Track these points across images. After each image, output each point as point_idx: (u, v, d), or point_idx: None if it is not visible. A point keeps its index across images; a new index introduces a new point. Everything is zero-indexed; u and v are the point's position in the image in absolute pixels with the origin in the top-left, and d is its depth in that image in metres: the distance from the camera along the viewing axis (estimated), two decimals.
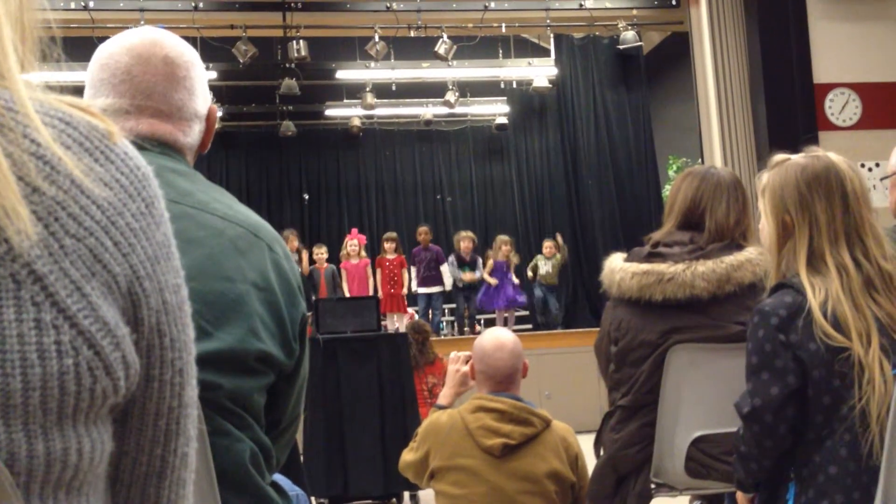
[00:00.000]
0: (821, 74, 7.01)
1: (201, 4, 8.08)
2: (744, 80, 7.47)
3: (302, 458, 4.54)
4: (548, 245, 9.92)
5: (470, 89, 12.31)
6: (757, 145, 7.34)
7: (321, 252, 9.47)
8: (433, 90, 11.97)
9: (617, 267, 2.34)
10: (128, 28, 1.47)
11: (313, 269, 9.37)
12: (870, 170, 6.36)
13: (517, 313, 10.06)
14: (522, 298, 9.68)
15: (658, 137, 11.29)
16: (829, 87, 7.03)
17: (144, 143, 1.29)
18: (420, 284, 9.46)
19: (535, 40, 12.41)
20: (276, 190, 13.19)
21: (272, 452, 1.33)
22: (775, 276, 1.83)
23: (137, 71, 1.32)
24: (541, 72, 11.45)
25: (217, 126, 1.48)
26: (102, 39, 1.45)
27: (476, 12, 8.68)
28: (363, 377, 4.97)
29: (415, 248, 9.75)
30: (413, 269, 9.50)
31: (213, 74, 9.96)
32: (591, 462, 2.47)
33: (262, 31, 9.00)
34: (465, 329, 9.66)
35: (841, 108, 7.02)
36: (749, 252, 2.26)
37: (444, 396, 2.66)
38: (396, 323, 8.82)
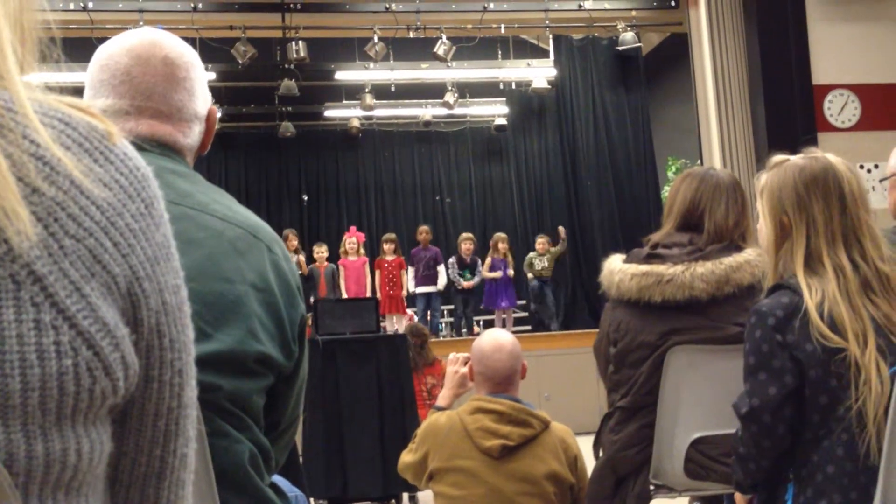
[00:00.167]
0: (820, 76, 7.01)
1: (200, 5, 8.09)
2: (743, 81, 7.48)
3: (301, 459, 4.54)
4: (540, 241, 9.94)
5: (469, 90, 12.32)
6: (756, 146, 7.34)
7: (321, 251, 9.47)
8: (432, 91, 11.97)
9: (616, 268, 2.34)
10: (127, 29, 1.47)
11: (313, 267, 9.37)
12: (869, 171, 6.36)
13: (515, 314, 10.08)
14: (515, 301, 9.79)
15: (657, 138, 11.30)
16: (828, 88, 7.03)
17: (144, 144, 1.29)
18: (419, 284, 9.47)
19: (535, 41, 12.42)
20: (275, 191, 13.19)
21: (271, 454, 1.33)
22: (773, 276, 1.83)
23: (137, 72, 1.32)
24: (540, 73, 11.46)
25: (216, 127, 1.48)
26: (101, 40, 1.45)
27: (475, 13, 8.68)
28: (362, 378, 4.97)
29: (414, 249, 9.77)
30: (411, 270, 9.51)
31: (212, 75, 9.96)
32: (590, 463, 2.47)
33: (262, 31, 9.01)
34: (464, 330, 9.67)
35: (840, 109, 7.03)
36: (748, 253, 2.26)
37: (442, 398, 2.66)
38: (395, 324, 8.83)
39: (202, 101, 1.41)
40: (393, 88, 11.16)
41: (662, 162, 11.28)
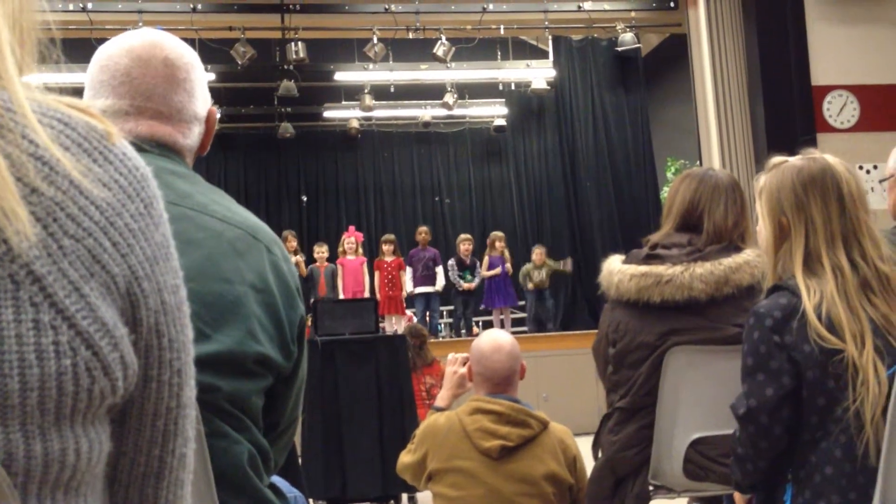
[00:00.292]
0: (819, 76, 7.02)
1: (200, 6, 8.09)
2: (742, 82, 7.48)
3: (300, 459, 4.54)
4: (537, 252, 9.93)
5: (468, 91, 12.32)
6: (755, 147, 7.34)
7: (322, 251, 9.48)
8: (431, 92, 11.98)
9: (615, 269, 2.34)
10: (126, 30, 1.47)
11: (313, 267, 9.38)
12: (868, 172, 6.36)
13: (514, 315, 10.08)
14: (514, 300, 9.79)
15: (656, 139, 11.30)
16: (828, 89, 7.03)
17: (143, 145, 1.29)
18: (417, 284, 9.47)
19: (534, 42, 12.43)
20: (274, 192, 13.20)
21: (270, 454, 1.33)
22: (772, 277, 1.83)
23: (137, 73, 1.32)
24: (539, 73, 11.47)
25: (216, 128, 1.48)
26: (101, 41, 1.45)
27: (474, 14, 8.68)
28: (361, 379, 4.97)
29: (412, 249, 9.77)
30: (410, 270, 9.51)
31: (212, 76, 9.96)
32: (589, 464, 2.47)
33: (261, 32, 9.01)
34: (463, 331, 9.67)
35: (839, 110, 7.03)
36: (747, 254, 2.26)
37: (441, 398, 2.66)
38: (395, 325, 8.83)
39: (202, 102, 1.41)
40: (392, 89, 11.17)
41: (662, 163, 11.28)
